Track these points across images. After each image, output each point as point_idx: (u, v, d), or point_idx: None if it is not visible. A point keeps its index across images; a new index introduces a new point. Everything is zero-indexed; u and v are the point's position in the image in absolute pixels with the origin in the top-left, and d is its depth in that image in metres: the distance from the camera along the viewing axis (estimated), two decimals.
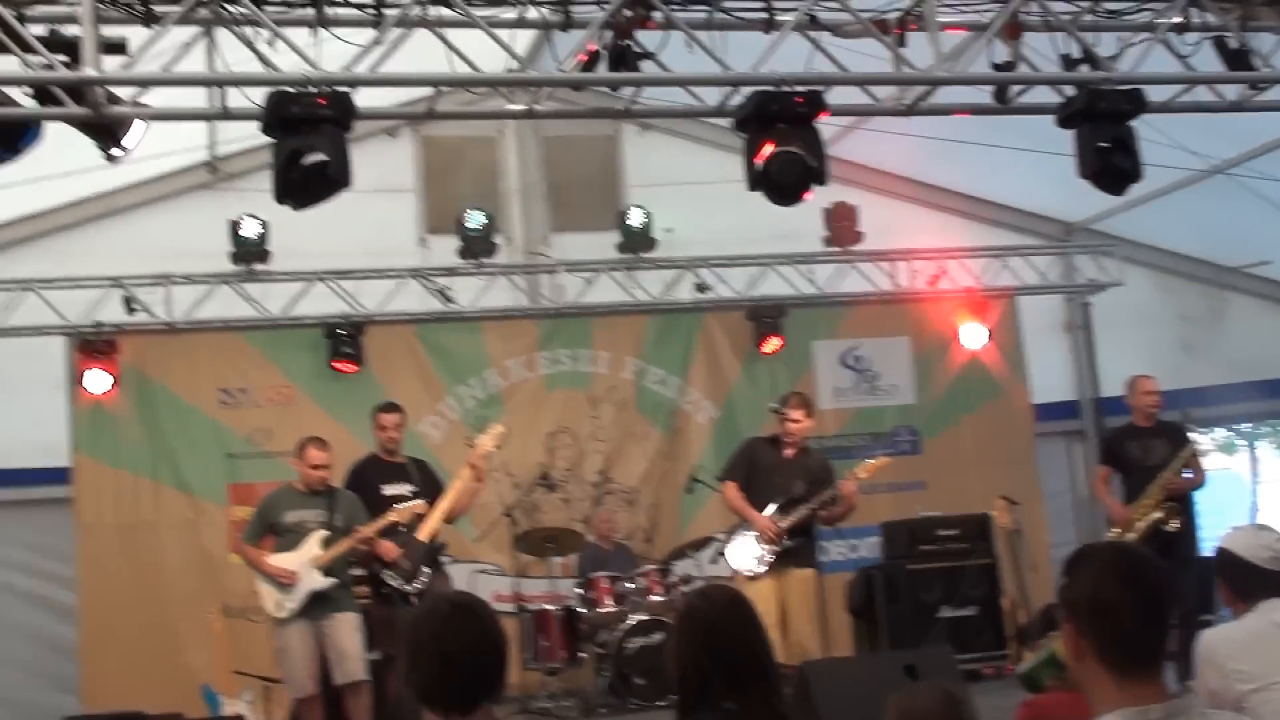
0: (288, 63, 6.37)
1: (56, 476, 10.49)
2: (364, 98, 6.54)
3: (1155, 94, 7.32)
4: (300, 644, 7.89)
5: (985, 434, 11.92)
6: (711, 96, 7.35)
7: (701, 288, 11.35)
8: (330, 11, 6.55)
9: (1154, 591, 2.39)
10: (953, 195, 12.64)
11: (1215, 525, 8.92)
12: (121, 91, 6.38)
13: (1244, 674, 3.51)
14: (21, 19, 6.04)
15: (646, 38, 6.81)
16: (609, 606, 9.37)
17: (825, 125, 6.98)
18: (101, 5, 6.12)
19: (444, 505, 8.51)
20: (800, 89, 6.74)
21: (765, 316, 11.56)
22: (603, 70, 6.83)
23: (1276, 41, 7.45)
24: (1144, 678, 2.34)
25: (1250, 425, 13.16)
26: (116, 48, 6.16)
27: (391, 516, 8.18)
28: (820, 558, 9.04)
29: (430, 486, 8.70)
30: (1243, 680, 3.50)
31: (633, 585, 9.39)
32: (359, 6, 6.64)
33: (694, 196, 11.46)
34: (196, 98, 7.28)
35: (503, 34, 6.74)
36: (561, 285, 11.53)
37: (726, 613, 3.31)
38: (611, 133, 12.17)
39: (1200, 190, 10.79)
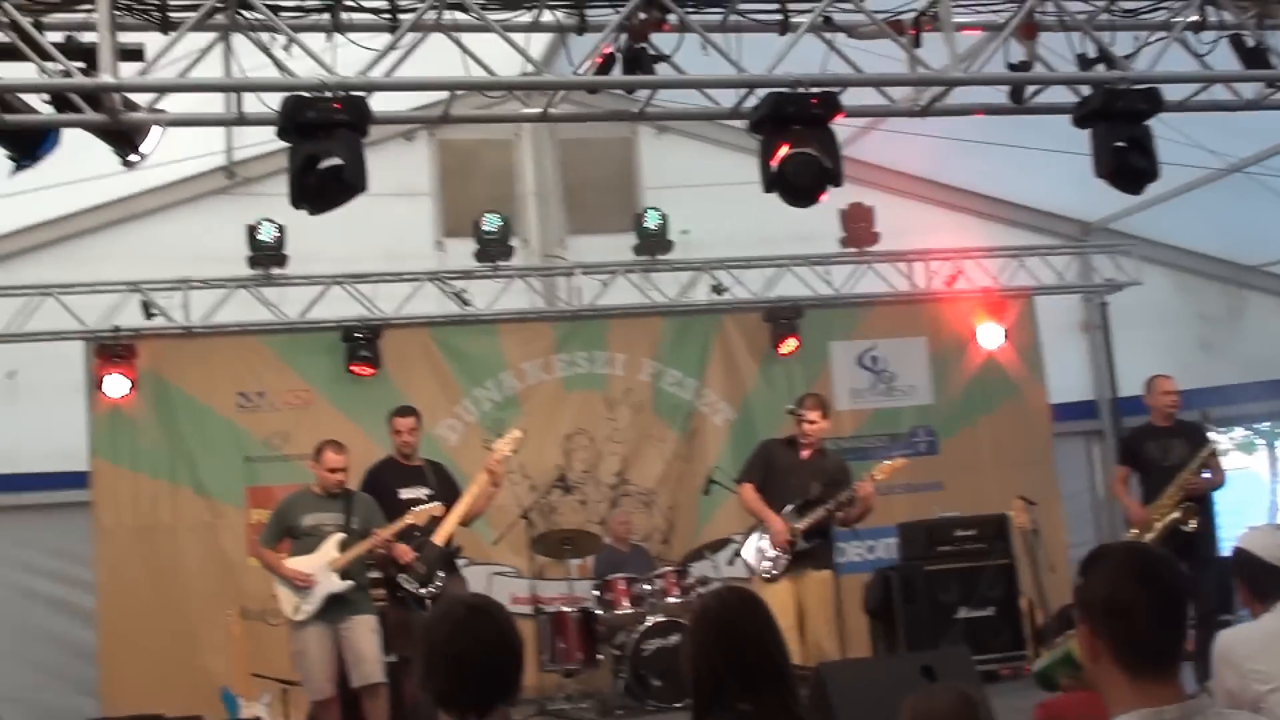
0: (303, 68, 6.39)
1: (77, 481, 10.54)
2: (380, 102, 6.56)
3: (1172, 93, 7.28)
4: (318, 647, 7.92)
5: (1003, 434, 11.88)
6: (727, 98, 7.34)
7: (718, 289, 11.34)
8: (345, 16, 6.56)
9: (1170, 592, 2.38)
10: (969, 195, 12.62)
11: (1235, 525, 8.87)
12: (138, 97, 6.41)
13: (1261, 674, 3.49)
14: (39, 26, 6.08)
15: (661, 40, 6.81)
16: (626, 608, 9.39)
17: (841, 126, 6.96)
18: (118, 12, 6.14)
19: (460, 510, 8.53)
20: (815, 90, 6.73)
21: (782, 318, 11.55)
22: (618, 73, 6.83)
23: None
24: (1160, 678, 2.33)
25: (1269, 424, 13.11)
26: (134, 54, 6.19)
27: (408, 519, 8.21)
28: (837, 559, 9.04)
29: (447, 489, 8.72)
30: (1260, 680, 3.48)
31: (650, 587, 9.40)
32: (374, 11, 6.65)
33: (710, 198, 11.46)
34: (213, 103, 7.33)
35: (518, 38, 6.74)
36: (578, 287, 11.53)
37: (741, 614, 3.30)
38: (628, 135, 12.18)
39: (1218, 189, 10.76)
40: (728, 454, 10.96)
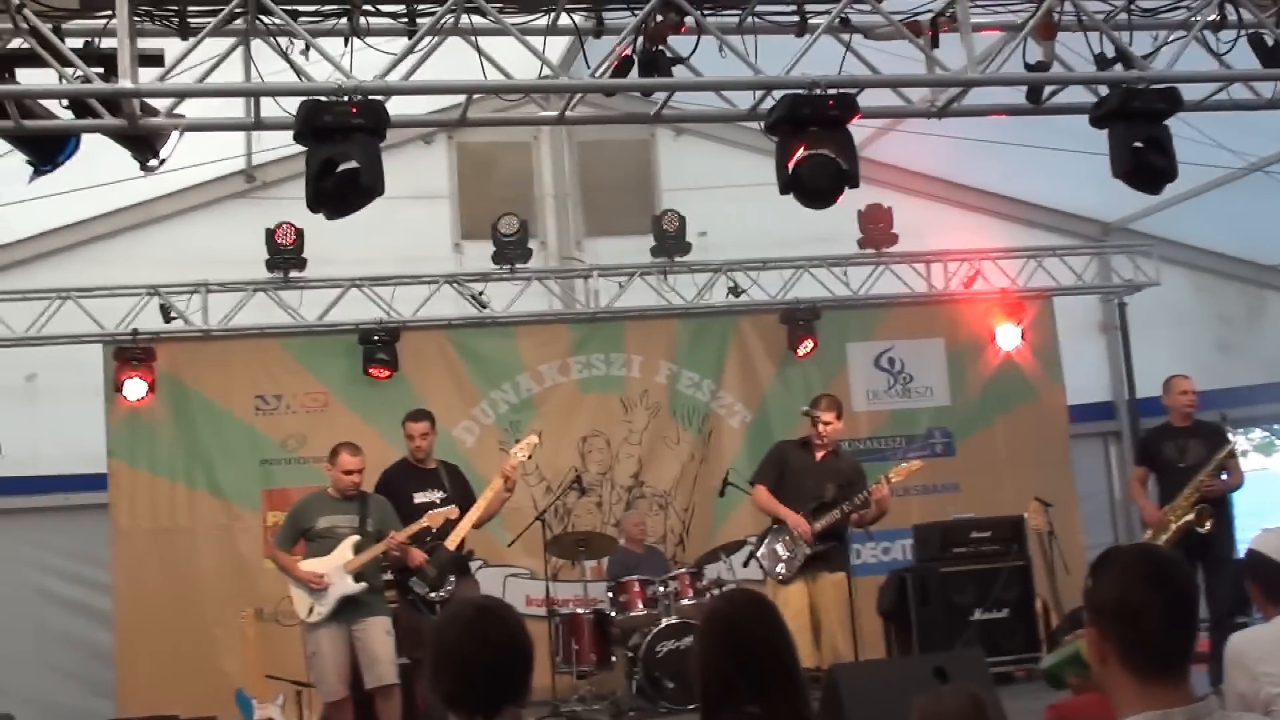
0: (321, 72, 6.42)
1: (96, 483, 10.61)
2: (398, 105, 6.58)
3: (1190, 92, 7.25)
4: (331, 648, 7.94)
5: (1020, 436, 11.84)
6: (743, 100, 7.35)
7: (735, 291, 11.34)
8: (363, 21, 6.59)
9: (1180, 596, 2.38)
10: (987, 196, 12.60)
11: (1252, 526, 8.80)
12: (157, 102, 6.45)
13: (1273, 676, 3.48)
14: (59, 32, 6.12)
15: (678, 42, 6.81)
16: (640, 610, 9.40)
17: (859, 127, 6.95)
18: (138, 18, 6.18)
19: (474, 515, 8.55)
20: (832, 92, 6.72)
21: (799, 319, 11.53)
22: (635, 76, 6.84)
23: None
24: (1168, 681, 2.33)
25: None
26: (153, 59, 6.23)
27: (424, 522, 8.24)
28: (852, 560, 9.02)
29: (461, 492, 8.75)
30: (1272, 683, 3.47)
31: (664, 589, 9.40)
32: (392, 15, 6.69)
33: (728, 199, 11.49)
34: (232, 108, 7.36)
35: (535, 41, 6.75)
36: (595, 289, 11.55)
37: (750, 616, 3.30)
38: (646, 137, 12.21)
39: (1238, 188, 10.72)
40: (744, 456, 10.96)
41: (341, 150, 6.15)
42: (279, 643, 9.16)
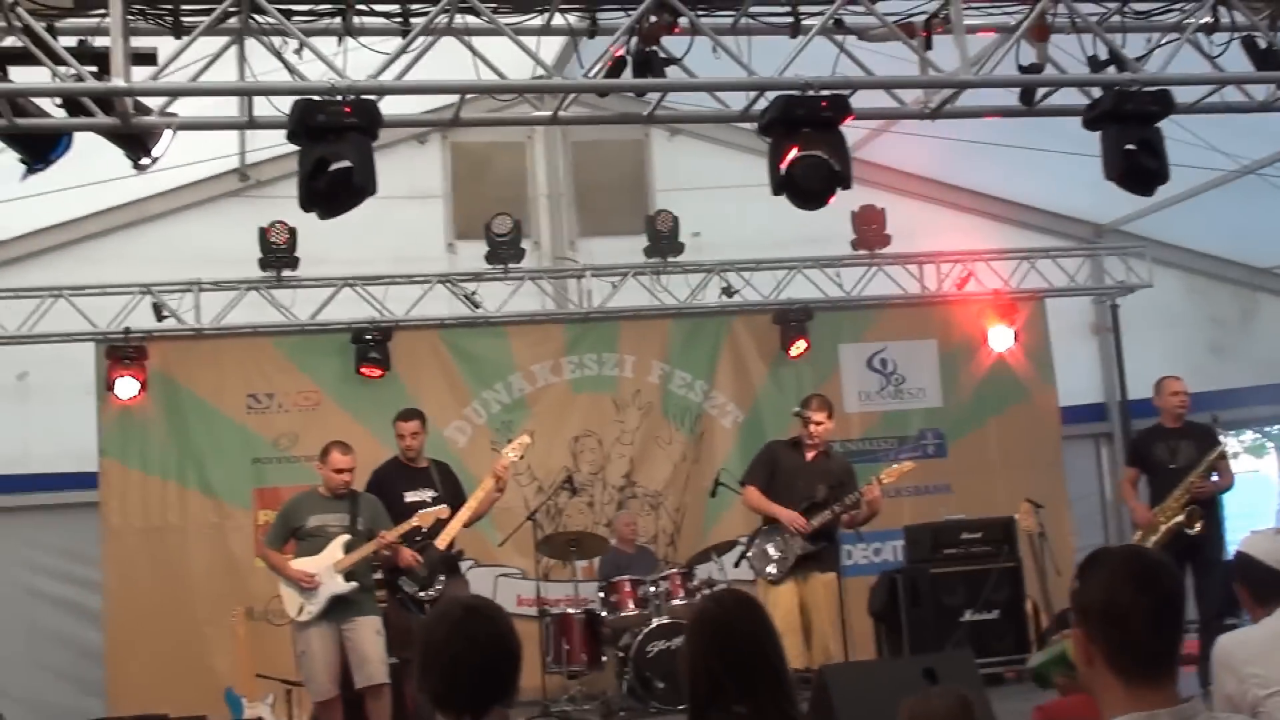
0: (315, 71, 6.41)
1: (86, 481, 10.60)
2: (392, 105, 6.58)
3: (1183, 94, 7.27)
4: (321, 647, 7.94)
5: (1012, 437, 11.87)
6: (737, 101, 7.36)
7: (728, 291, 11.35)
8: (357, 20, 6.59)
9: (1167, 599, 2.38)
10: (981, 197, 12.62)
11: (1243, 528, 8.84)
12: (151, 101, 6.44)
13: (1261, 678, 3.48)
14: (52, 31, 6.11)
15: (672, 43, 6.81)
16: (631, 610, 9.40)
17: (853, 128, 6.96)
18: (131, 17, 6.17)
19: (464, 515, 8.54)
20: (825, 93, 6.72)
21: (792, 319, 11.55)
22: (628, 76, 6.84)
23: None
24: (1154, 683, 2.33)
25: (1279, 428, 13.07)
26: (146, 58, 6.22)
27: (414, 522, 8.24)
28: (843, 561, 9.03)
29: (452, 490, 8.75)
30: (1260, 684, 3.47)
31: (655, 589, 9.40)
32: (386, 15, 6.68)
33: (721, 200, 11.49)
34: (225, 107, 7.35)
35: (529, 41, 6.75)
36: (588, 290, 11.55)
37: (738, 616, 3.30)
38: (640, 137, 12.21)
39: (1230, 191, 10.73)
40: (736, 456, 10.94)
41: (334, 150, 6.14)
42: (269, 642, 9.16)
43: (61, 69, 6.07)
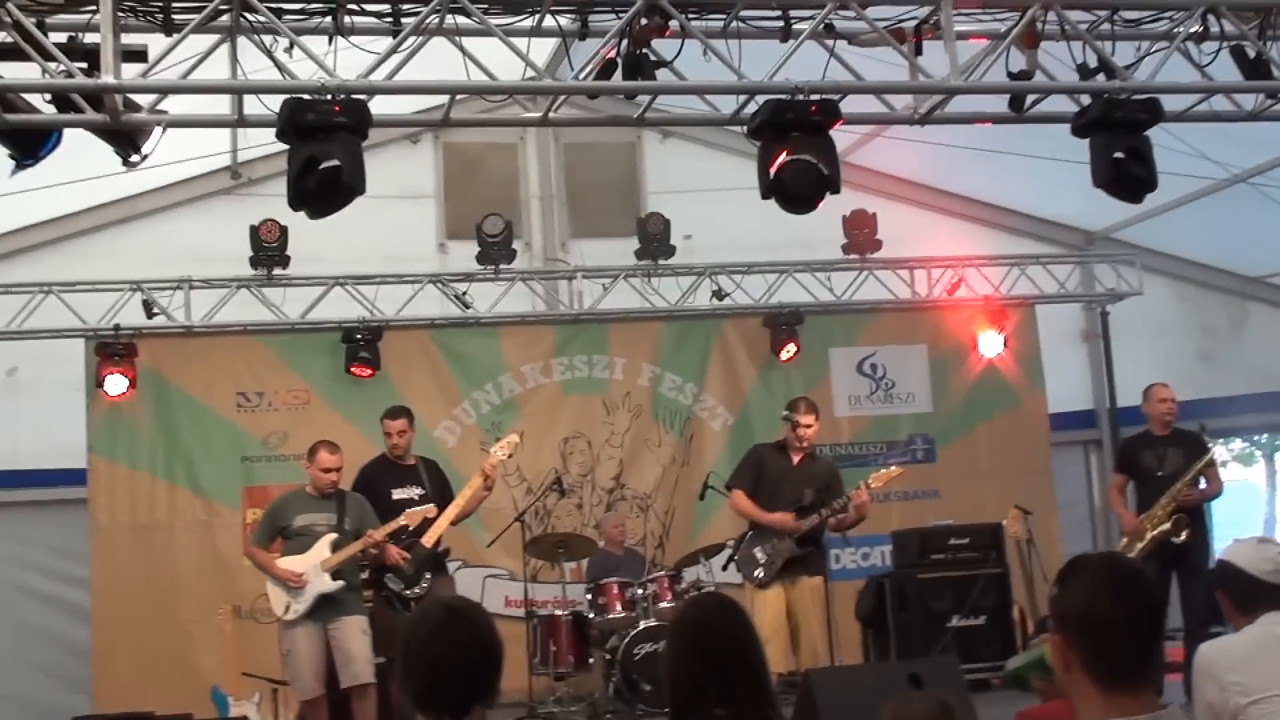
0: (305, 70, 6.41)
1: (75, 478, 10.58)
2: (383, 104, 6.58)
3: (1172, 103, 7.29)
4: (307, 646, 7.92)
5: (1001, 443, 11.88)
6: (727, 104, 7.35)
7: (719, 294, 11.35)
8: (348, 20, 6.58)
9: (1147, 607, 2.38)
10: (972, 203, 12.64)
11: (1230, 537, 8.86)
12: (141, 98, 6.44)
13: (1242, 686, 3.48)
14: (42, 27, 6.11)
15: (663, 46, 6.81)
16: (618, 612, 9.39)
17: (844, 133, 6.96)
18: (121, 14, 6.17)
19: (451, 512, 8.54)
20: (815, 97, 6.73)
21: (782, 323, 11.56)
22: (619, 79, 6.84)
23: None
24: (1132, 690, 2.34)
25: (1268, 436, 13.10)
26: (137, 55, 6.22)
27: (402, 520, 8.23)
28: (831, 566, 9.03)
29: (440, 487, 8.74)
30: (1241, 693, 3.47)
31: (643, 591, 9.40)
32: (376, 15, 6.68)
33: (713, 203, 11.51)
34: (215, 104, 7.34)
35: (520, 42, 6.76)
36: (579, 291, 11.55)
37: (719, 619, 3.30)
38: (632, 140, 12.22)
39: (1221, 199, 10.76)
40: (725, 459, 10.94)
41: (324, 149, 6.14)
42: (256, 640, 9.17)
43: (51, 65, 6.07)
